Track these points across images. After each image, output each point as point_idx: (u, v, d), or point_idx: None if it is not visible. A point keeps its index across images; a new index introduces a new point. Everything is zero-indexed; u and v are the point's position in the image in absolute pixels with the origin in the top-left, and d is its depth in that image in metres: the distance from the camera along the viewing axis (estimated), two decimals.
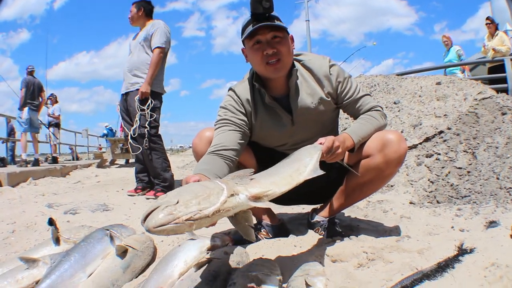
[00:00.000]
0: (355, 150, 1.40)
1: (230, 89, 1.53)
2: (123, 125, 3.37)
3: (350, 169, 1.46)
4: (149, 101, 3.09)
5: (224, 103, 1.49)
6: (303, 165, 1.10)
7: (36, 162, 6.37)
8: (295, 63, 1.48)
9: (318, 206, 1.71)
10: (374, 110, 1.49)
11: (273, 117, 1.49)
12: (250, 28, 1.34)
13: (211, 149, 1.35)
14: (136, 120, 3.07)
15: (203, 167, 1.23)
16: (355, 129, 1.41)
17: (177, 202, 0.81)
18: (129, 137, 3.09)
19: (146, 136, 3.08)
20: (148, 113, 3.08)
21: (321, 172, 1.08)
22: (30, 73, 6.46)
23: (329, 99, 1.48)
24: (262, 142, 1.58)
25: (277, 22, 1.35)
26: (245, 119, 1.46)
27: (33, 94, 6.31)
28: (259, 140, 1.57)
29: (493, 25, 6.49)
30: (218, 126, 1.44)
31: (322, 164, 1.14)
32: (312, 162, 1.11)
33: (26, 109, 6.23)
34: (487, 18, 6.51)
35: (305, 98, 1.46)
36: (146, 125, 3.07)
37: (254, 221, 1.62)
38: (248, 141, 1.54)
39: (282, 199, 1.16)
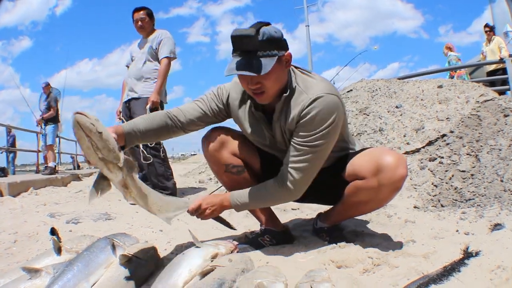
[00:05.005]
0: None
1: (222, 86, 1.49)
2: None
3: (225, 224, 1.62)
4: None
5: (208, 91, 1.52)
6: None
7: (53, 170, 6.46)
8: (295, 81, 1.35)
9: (323, 211, 1.71)
10: (279, 183, 1.36)
11: (258, 127, 1.44)
12: (233, 65, 1.22)
13: (171, 110, 1.48)
14: None
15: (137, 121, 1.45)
16: (241, 194, 1.44)
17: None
18: (140, 145, 3.09)
19: (156, 145, 3.09)
20: None
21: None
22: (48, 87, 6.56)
23: None
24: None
25: (263, 57, 1.20)
26: (222, 108, 1.48)
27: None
28: (253, 141, 1.52)
29: (491, 33, 6.55)
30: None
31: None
32: (176, 213, 1.46)
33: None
34: (486, 26, 6.55)
35: (286, 123, 1.36)
36: None
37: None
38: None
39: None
